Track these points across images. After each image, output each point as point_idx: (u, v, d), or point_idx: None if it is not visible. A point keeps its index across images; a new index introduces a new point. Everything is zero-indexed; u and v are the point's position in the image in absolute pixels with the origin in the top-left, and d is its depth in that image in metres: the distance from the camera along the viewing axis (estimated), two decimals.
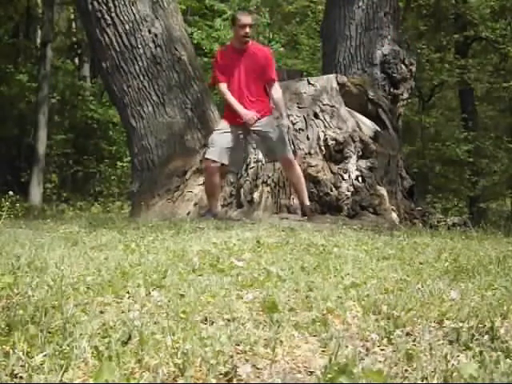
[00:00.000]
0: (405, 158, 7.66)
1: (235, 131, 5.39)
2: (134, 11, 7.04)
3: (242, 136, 5.45)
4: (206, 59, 16.51)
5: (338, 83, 6.56)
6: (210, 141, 5.48)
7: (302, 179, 5.53)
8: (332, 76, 6.69)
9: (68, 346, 1.57)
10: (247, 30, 5.41)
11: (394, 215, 6.11)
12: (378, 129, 6.72)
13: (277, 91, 5.49)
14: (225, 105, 5.61)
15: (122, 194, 17.03)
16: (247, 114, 5.34)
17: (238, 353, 1.60)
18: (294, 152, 5.63)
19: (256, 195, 5.83)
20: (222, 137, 5.36)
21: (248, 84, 5.43)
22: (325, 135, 6.11)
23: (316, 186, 5.93)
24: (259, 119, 5.39)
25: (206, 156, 5.44)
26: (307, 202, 5.49)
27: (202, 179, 6.42)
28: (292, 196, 5.90)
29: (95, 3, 6.98)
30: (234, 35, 5.63)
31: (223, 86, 5.46)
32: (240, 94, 5.41)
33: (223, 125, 5.47)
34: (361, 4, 7.68)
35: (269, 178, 5.93)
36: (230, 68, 5.45)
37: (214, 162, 5.35)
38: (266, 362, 1.57)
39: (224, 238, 3.66)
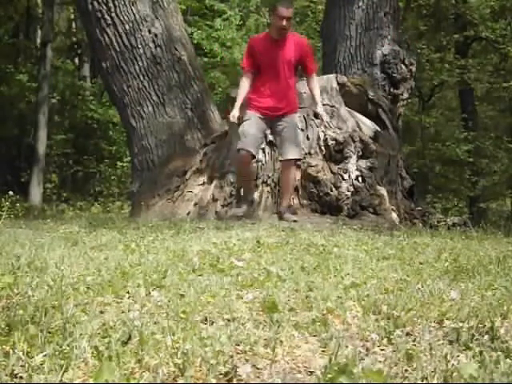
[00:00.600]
0: (405, 158, 7.66)
1: (261, 121, 5.30)
2: (134, 11, 7.05)
3: (265, 127, 5.38)
4: (205, 59, 16.52)
5: (338, 83, 6.55)
6: (241, 132, 5.31)
7: (292, 186, 5.45)
8: (332, 76, 6.68)
9: (68, 346, 1.57)
10: (284, 22, 5.20)
11: (394, 215, 6.11)
12: (378, 129, 6.72)
13: (314, 83, 5.44)
14: (249, 100, 5.41)
15: (122, 194, 17.04)
16: (233, 116, 5.26)
17: (238, 353, 1.60)
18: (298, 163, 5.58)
19: (256, 195, 5.83)
20: (253, 127, 5.26)
21: (282, 76, 5.29)
22: (325, 135, 6.11)
23: (316, 185, 5.93)
24: (283, 116, 5.30)
25: (241, 147, 5.24)
26: (285, 205, 5.38)
27: (202, 179, 6.42)
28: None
29: (95, 3, 6.98)
30: (271, 24, 5.44)
31: (245, 76, 5.37)
32: (272, 86, 5.29)
33: (251, 114, 5.32)
34: (361, 4, 7.68)
35: (269, 177, 5.93)
36: (264, 57, 5.29)
37: (248, 151, 5.24)
38: (266, 361, 1.57)
39: (224, 238, 3.66)
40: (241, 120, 5.34)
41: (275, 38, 5.31)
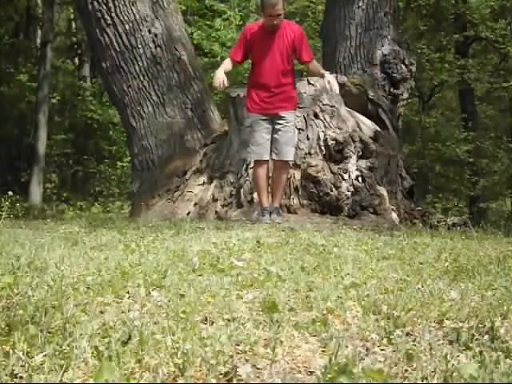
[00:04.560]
0: (405, 158, 7.66)
1: (265, 123, 5.18)
2: (134, 11, 7.05)
3: (270, 127, 5.23)
4: (206, 59, 16.52)
5: (338, 83, 6.53)
6: (250, 140, 5.25)
7: (284, 186, 5.39)
8: (332, 76, 6.67)
9: (68, 346, 1.57)
10: (274, 21, 5.09)
11: (394, 215, 6.11)
12: (378, 129, 6.72)
13: (314, 65, 5.35)
14: (247, 93, 5.33)
15: (122, 194, 17.05)
16: (216, 79, 5.06)
17: (238, 353, 1.60)
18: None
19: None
20: (260, 133, 5.17)
21: (278, 68, 5.15)
22: (325, 135, 6.11)
23: (316, 185, 5.93)
24: (282, 113, 5.16)
25: (256, 158, 5.23)
26: (276, 205, 5.29)
27: (202, 179, 6.42)
28: (292, 196, 5.90)
29: (95, 3, 6.99)
30: (263, 18, 5.24)
31: (227, 61, 5.28)
32: (268, 79, 5.15)
33: (253, 118, 5.23)
34: (361, 4, 7.68)
35: (269, 177, 5.92)
36: (258, 48, 5.17)
37: (264, 160, 5.20)
38: (266, 361, 1.57)
39: (224, 237, 3.66)
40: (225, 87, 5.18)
41: (269, 30, 5.18)
